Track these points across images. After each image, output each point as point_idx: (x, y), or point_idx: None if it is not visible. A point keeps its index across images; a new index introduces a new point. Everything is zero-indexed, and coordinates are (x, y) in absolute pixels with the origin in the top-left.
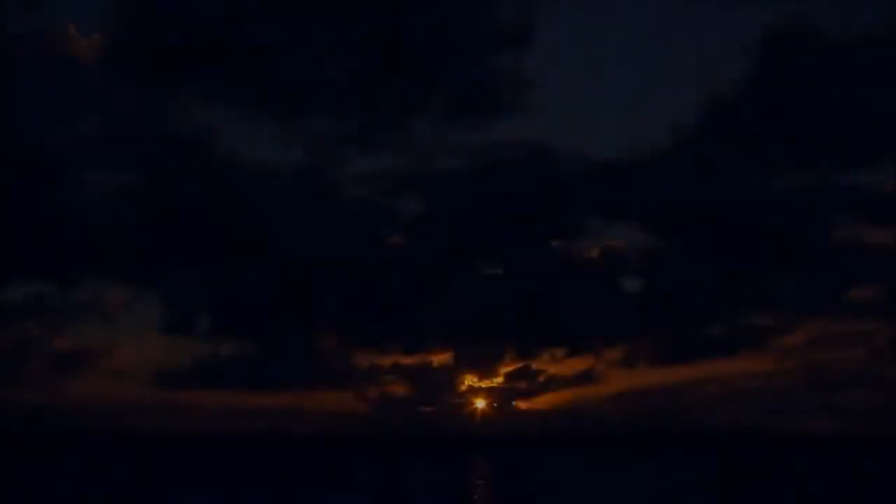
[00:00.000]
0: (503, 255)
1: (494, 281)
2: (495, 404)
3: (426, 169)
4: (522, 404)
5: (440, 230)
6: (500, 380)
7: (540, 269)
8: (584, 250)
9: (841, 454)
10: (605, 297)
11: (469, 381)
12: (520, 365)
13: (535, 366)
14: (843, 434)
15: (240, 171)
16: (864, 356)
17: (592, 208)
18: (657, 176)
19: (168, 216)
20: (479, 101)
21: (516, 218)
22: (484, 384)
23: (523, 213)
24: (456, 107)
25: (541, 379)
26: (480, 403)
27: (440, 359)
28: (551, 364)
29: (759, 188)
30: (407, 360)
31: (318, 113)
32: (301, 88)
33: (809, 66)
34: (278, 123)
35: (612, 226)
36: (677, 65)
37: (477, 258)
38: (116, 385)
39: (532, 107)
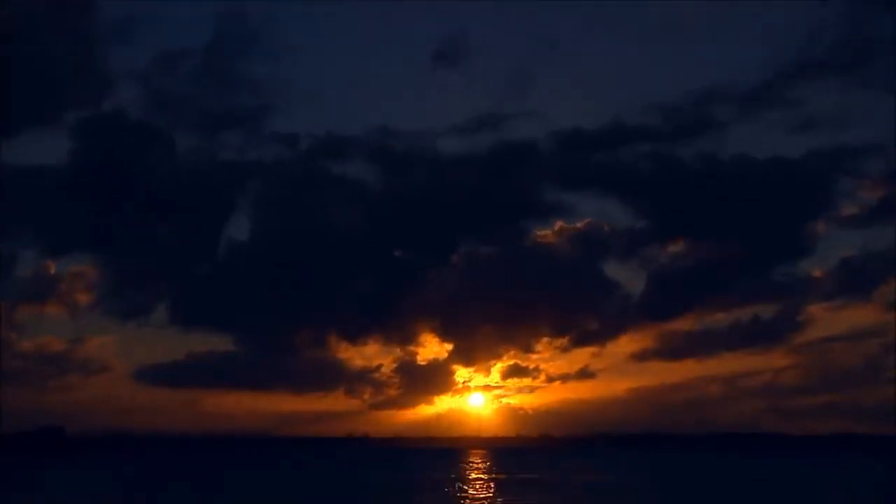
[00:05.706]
0: (487, 240)
1: (484, 267)
2: (493, 401)
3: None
4: (520, 401)
5: (408, 209)
6: (496, 377)
7: (527, 255)
8: (571, 230)
9: (851, 453)
10: (601, 289)
11: (465, 376)
12: (517, 361)
13: (533, 363)
14: (854, 431)
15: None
16: (877, 351)
17: (570, 184)
18: (642, 146)
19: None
20: None
21: (494, 199)
22: (481, 381)
23: (498, 193)
24: None
25: (540, 376)
26: (477, 400)
27: (437, 355)
28: (551, 361)
29: (763, 157)
30: (401, 358)
31: None
32: None
33: None
34: None
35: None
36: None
37: (460, 242)
38: (98, 382)
39: None
